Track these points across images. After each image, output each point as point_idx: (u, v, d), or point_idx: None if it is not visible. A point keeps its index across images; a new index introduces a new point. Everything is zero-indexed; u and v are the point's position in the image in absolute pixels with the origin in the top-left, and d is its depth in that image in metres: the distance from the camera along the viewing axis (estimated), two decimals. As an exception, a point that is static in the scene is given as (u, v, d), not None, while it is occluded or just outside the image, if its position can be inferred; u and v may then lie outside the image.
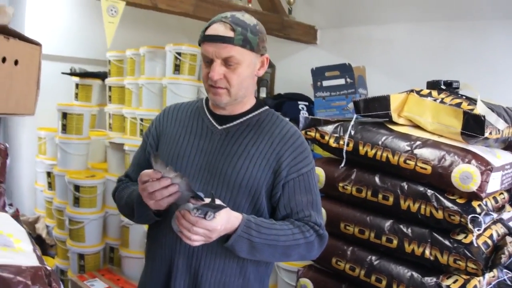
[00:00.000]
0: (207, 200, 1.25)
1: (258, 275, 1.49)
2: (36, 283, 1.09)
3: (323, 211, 1.96)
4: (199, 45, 1.43)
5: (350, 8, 3.12)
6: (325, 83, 2.77)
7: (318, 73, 2.78)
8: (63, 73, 3.81)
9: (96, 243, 3.36)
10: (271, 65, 3.54)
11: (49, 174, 3.74)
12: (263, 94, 3.52)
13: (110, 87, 3.67)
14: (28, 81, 1.66)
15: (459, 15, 2.63)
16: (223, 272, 1.41)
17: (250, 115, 1.48)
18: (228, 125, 1.47)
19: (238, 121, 1.47)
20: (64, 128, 3.43)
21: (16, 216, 1.46)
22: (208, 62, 1.38)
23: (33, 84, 1.69)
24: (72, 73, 3.81)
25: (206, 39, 1.37)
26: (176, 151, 1.48)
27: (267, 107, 1.54)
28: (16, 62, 1.58)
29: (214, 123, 1.48)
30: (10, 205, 4.47)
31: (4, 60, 1.52)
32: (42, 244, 3.79)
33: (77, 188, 3.22)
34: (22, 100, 1.66)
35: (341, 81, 2.70)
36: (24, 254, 1.24)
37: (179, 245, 1.40)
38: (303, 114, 2.92)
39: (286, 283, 2.54)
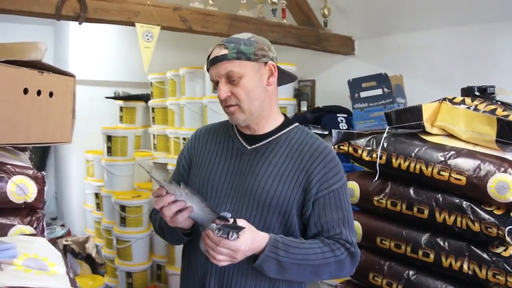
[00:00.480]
0: (232, 221, 1.26)
1: None
2: (63, 305, 1.15)
3: (358, 225, 1.93)
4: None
5: (386, 17, 3.08)
6: (363, 94, 2.73)
7: (355, 85, 2.75)
8: (107, 97, 3.98)
9: (143, 261, 3.45)
10: (311, 79, 3.54)
11: (97, 195, 3.90)
12: (303, 108, 3.52)
13: (153, 109, 3.78)
14: (64, 111, 1.74)
15: (498, 16, 2.52)
16: (256, 286, 1.41)
17: (279, 134, 1.49)
18: (257, 145, 1.48)
19: (267, 140, 1.48)
20: (109, 151, 3.57)
21: (54, 240, 1.53)
22: (215, 85, 1.44)
23: (68, 113, 1.77)
24: (116, 97, 3.96)
25: (209, 65, 1.44)
26: (207, 174, 1.50)
27: (296, 124, 1.54)
28: (51, 94, 1.65)
29: (244, 144, 1.50)
30: (62, 225, 4.68)
31: (39, 93, 1.60)
32: (92, 263, 3.93)
33: (123, 208, 3.33)
34: (59, 130, 1.74)
35: (379, 91, 2.65)
36: (57, 277, 1.30)
37: (210, 265, 1.41)
38: (342, 126, 2.89)
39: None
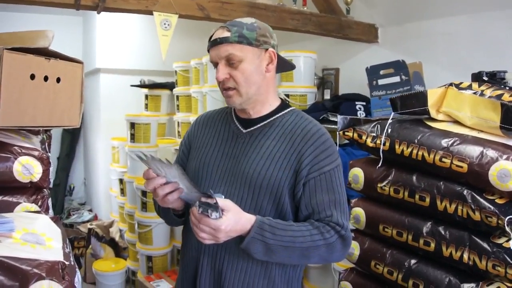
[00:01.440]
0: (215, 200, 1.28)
1: (284, 278, 1.48)
2: (50, 275, 1.20)
3: (362, 212, 1.91)
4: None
5: (410, 4, 2.99)
6: (381, 81, 2.68)
7: (373, 72, 2.70)
8: (132, 85, 4.05)
9: (163, 245, 3.52)
10: (335, 67, 3.50)
11: (121, 181, 3.99)
12: (327, 96, 3.48)
13: (177, 97, 3.84)
14: (71, 96, 1.80)
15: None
16: (246, 272, 1.43)
17: (274, 117, 1.51)
18: (252, 128, 1.50)
19: (262, 123, 1.50)
20: (133, 137, 3.64)
21: (56, 218, 1.59)
22: (215, 67, 1.44)
23: (76, 98, 1.82)
24: (142, 85, 4.03)
25: (209, 46, 1.45)
26: (203, 157, 1.53)
27: (292, 108, 1.55)
28: (58, 80, 1.71)
29: (240, 127, 1.52)
30: (90, 210, 4.83)
31: (46, 78, 1.66)
32: (115, 247, 4.04)
33: (144, 193, 3.40)
34: (66, 113, 1.79)
35: (396, 79, 2.60)
36: (51, 251, 1.36)
37: (203, 246, 1.44)
38: (360, 114, 2.85)
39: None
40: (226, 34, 1.40)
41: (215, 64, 1.44)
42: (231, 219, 1.30)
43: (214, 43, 1.42)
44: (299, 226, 1.37)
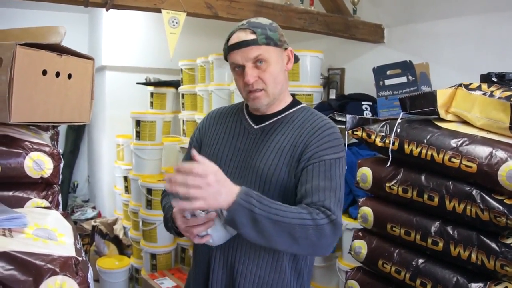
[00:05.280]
0: None
1: (295, 270, 1.49)
2: (64, 270, 1.21)
3: (370, 211, 1.92)
4: (225, 59, 1.50)
5: (417, 4, 3.00)
6: (387, 82, 2.68)
7: (380, 72, 2.71)
8: (138, 83, 4.06)
9: (167, 243, 3.52)
10: (340, 67, 3.51)
11: (125, 178, 4.00)
12: (332, 96, 3.49)
13: (183, 95, 3.84)
14: (82, 92, 1.81)
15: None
16: (258, 265, 1.44)
17: (285, 113, 1.53)
18: (263, 124, 1.52)
19: (273, 119, 1.52)
20: (138, 135, 3.65)
21: (66, 214, 1.60)
22: (239, 69, 1.45)
23: (87, 94, 1.83)
24: (147, 83, 4.03)
25: (231, 48, 1.44)
26: (215, 153, 1.55)
27: (303, 104, 1.57)
28: (69, 76, 1.72)
29: (251, 123, 1.54)
30: (93, 207, 4.84)
31: (58, 74, 1.67)
32: (119, 244, 4.05)
33: (149, 191, 3.41)
34: (77, 110, 1.80)
35: (403, 79, 2.60)
36: (63, 246, 1.37)
37: None
38: (367, 114, 2.85)
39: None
40: (252, 36, 1.41)
41: (238, 67, 1.44)
42: (218, 171, 1.25)
43: (240, 46, 1.41)
44: (287, 206, 1.31)
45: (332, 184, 1.37)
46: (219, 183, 1.23)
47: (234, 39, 1.43)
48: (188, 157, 1.65)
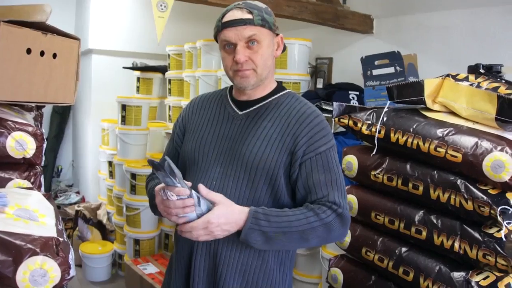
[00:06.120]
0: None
1: (278, 258, 1.49)
2: (44, 251, 1.19)
3: (354, 199, 1.93)
4: (216, 36, 1.48)
5: (406, -5, 3.00)
6: (375, 72, 2.68)
7: (368, 62, 2.70)
8: (124, 67, 4.01)
9: (151, 229, 3.51)
10: (328, 57, 3.50)
11: (110, 163, 3.96)
12: (319, 85, 3.48)
13: (169, 80, 3.81)
14: (67, 73, 1.77)
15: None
16: (241, 252, 1.43)
17: (270, 99, 1.52)
18: (248, 110, 1.51)
19: (258, 105, 1.51)
20: (124, 120, 3.62)
21: (48, 195, 1.57)
22: (230, 47, 1.43)
23: (72, 75, 1.80)
24: (134, 67, 3.99)
25: (225, 25, 1.42)
26: (199, 139, 1.53)
27: (288, 90, 1.57)
28: (54, 56, 1.69)
29: (236, 109, 1.52)
30: (77, 192, 4.80)
31: (42, 53, 1.64)
32: (102, 230, 4.02)
33: (133, 176, 3.38)
34: (61, 91, 1.77)
35: (391, 70, 2.60)
36: (44, 227, 1.35)
37: None
38: (354, 104, 2.85)
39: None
40: (249, 16, 1.40)
41: (229, 45, 1.42)
42: (222, 211, 1.31)
43: (234, 23, 1.40)
44: (293, 211, 1.38)
45: (332, 175, 1.41)
46: (224, 222, 1.31)
47: (229, 16, 1.41)
48: (171, 144, 1.65)
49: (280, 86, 1.57)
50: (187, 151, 1.54)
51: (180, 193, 1.27)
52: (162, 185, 1.30)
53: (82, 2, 4.68)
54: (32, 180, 1.64)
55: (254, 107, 1.50)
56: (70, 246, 1.34)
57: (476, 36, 2.63)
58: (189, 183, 1.33)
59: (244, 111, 1.51)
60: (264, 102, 1.51)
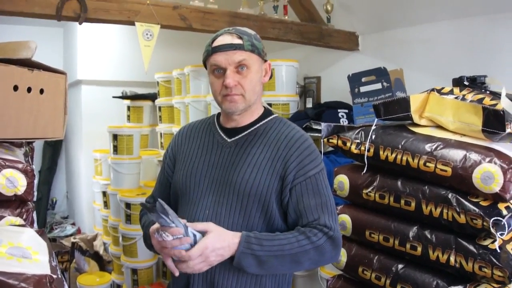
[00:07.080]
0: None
1: (275, 283, 1.49)
2: (37, 289, 1.18)
3: (348, 218, 1.93)
4: (205, 61, 1.49)
5: (390, 11, 3.03)
6: (363, 88, 2.71)
7: (355, 79, 2.73)
8: (114, 96, 4.03)
9: (148, 258, 3.48)
10: (316, 76, 3.53)
11: (104, 193, 3.95)
12: (309, 105, 3.50)
13: (160, 108, 3.82)
14: (55, 108, 1.78)
15: (501, 7, 2.47)
16: (238, 280, 1.43)
17: (258, 125, 1.53)
18: (236, 137, 1.51)
19: (246, 131, 1.51)
20: (116, 149, 3.62)
21: (41, 231, 1.57)
22: (219, 72, 1.44)
23: (60, 109, 1.80)
24: (123, 96, 4.00)
25: (216, 50, 1.43)
26: (189, 169, 1.53)
27: (275, 115, 1.58)
28: (41, 91, 1.69)
29: (224, 137, 1.53)
30: (73, 224, 4.77)
31: (29, 90, 1.64)
32: (99, 260, 3.99)
33: (128, 205, 3.37)
34: (50, 125, 1.77)
35: (378, 86, 2.63)
36: (37, 264, 1.34)
37: None
38: (343, 122, 2.87)
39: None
40: (239, 41, 1.42)
41: (219, 70, 1.43)
42: (215, 235, 1.32)
43: (225, 48, 1.42)
44: (285, 235, 1.38)
45: (322, 199, 1.43)
46: (219, 247, 1.32)
47: (220, 41, 1.43)
48: (162, 175, 1.65)
49: (267, 111, 1.58)
50: (178, 181, 1.55)
51: (174, 233, 1.28)
52: (157, 225, 1.31)
53: (70, 33, 4.72)
54: (24, 216, 1.63)
55: (243, 133, 1.51)
56: (64, 282, 1.34)
57: (460, 47, 2.66)
58: (184, 220, 1.33)
59: (233, 138, 1.51)
60: (252, 129, 1.51)
